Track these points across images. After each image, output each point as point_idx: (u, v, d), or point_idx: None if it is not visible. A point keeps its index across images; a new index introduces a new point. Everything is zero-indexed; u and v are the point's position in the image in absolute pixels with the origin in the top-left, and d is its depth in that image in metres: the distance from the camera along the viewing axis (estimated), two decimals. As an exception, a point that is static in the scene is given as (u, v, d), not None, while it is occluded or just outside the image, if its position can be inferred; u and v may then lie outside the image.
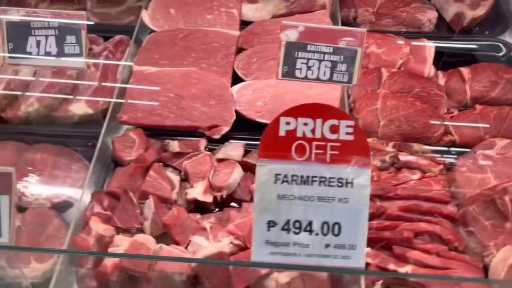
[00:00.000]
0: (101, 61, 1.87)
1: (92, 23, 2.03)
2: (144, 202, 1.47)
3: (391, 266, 1.39)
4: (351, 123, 1.06)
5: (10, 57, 1.46)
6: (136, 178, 1.54)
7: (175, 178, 1.60)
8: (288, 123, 1.06)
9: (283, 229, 1.06)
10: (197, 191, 1.52)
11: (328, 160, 1.05)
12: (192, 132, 1.73)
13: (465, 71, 1.92)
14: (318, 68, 1.47)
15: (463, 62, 2.05)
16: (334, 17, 2.12)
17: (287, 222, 1.06)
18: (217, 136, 1.71)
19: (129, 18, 2.15)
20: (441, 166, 1.63)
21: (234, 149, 1.66)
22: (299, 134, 1.05)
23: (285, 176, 1.05)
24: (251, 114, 1.76)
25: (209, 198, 1.53)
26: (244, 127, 1.78)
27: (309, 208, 1.06)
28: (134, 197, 1.48)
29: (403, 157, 1.63)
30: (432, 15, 2.15)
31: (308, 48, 1.45)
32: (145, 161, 1.57)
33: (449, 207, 1.53)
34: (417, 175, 1.60)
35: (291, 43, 1.45)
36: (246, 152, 1.67)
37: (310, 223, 1.06)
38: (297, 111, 1.06)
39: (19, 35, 1.44)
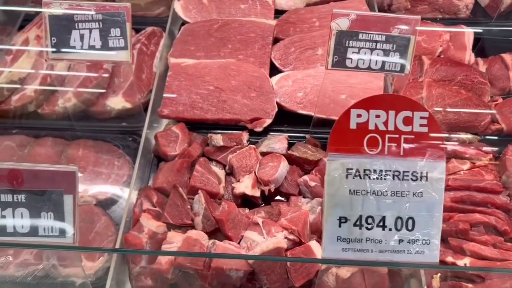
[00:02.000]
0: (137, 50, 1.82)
1: (128, 4, 1.98)
2: (193, 197, 1.45)
3: (449, 259, 1.36)
4: (426, 114, 1.02)
5: (53, 52, 1.41)
6: (182, 173, 1.51)
7: (220, 172, 1.57)
8: (359, 116, 1.02)
9: (355, 225, 1.03)
10: (245, 186, 1.49)
11: (402, 154, 1.02)
12: (234, 125, 1.70)
13: (507, 57, 1.88)
14: (370, 58, 1.43)
15: (501, 48, 2.01)
16: (370, 4, 2.07)
17: (360, 217, 1.03)
18: (259, 129, 1.67)
19: (159, 9, 2.10)
20: (490, 155, 1.60)
21: (277, 142, 1.63)
22: (371, 126, 1.02)
23: (357, 170, 1.02)
24: (292, 106, 1.73)
25: (257, 192, 1.50)
26: (285, 119, 1.74)
27: (382, 203, 1.03)
28: (184, 192, 1.45)
29: (451, 146, 1.60)
30: (469, 0, 2.10)
31: (360, 36, 1.41)
32: (190, 155, 1.54)
33: (501, 197, 1.51)
34: (467, 165, 1.57)
35: (342, 32, 1.41)
36: (289, 145, 1.64)
37: (383, 219, 1.03)
38: (368, 103, 1.03)
39: (62, 29, 1.40)
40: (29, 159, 1.57)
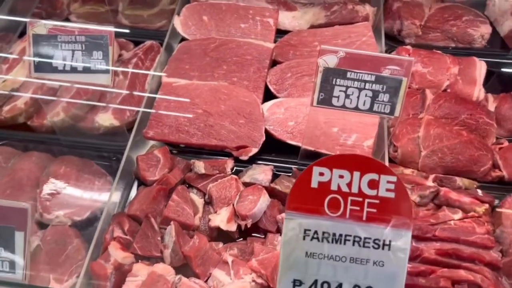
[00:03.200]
0: (129, 69, 1.80)
1: (122, 30, 1.97)
2: (166, 227, 1.42)
3: (425, 319, 1.28)
4: (393, 178, 0.95)
5: (36, 71, 1.40)
6: (159, 201, 1.48)
7: (199, 201, 1.53)
8: (321, 174, 0.96)
9: (310, 289, 0.97)
10: (221, 219, 1.45)
11: (364, 218, 0.95)
12: (220, 151, 1.66)
13: (519, 97, 1.76)
14: (358, 97, 1.36)
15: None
16: (377, 29, 1.98)
17: (315, 282, 0.97)
18: (244, 158, 1.62)
19: (161, 22, 2.07)
20: (486, 206, 1.49)
21: (261, 173, 1.57)
22: (333, 187, 0.96)
23: (316, 232, 0.96)
24: (282, 135, 1.67)
25: (232, 227, 1.45)
26: (274, 147, 1.69)
27: (340, 269, 0.96)
28: (156, 222, 1.42)
29: (444, 193, 1.51)
30: (486, 30, 1.97)
31: (348, 75, 1.33)
32: (169, 183, 1.51)
33: (492, 253, 1.41)
34: (459, 214, 1.47)
35: (329, 69, 1.33)
36: (275, 176, 1.59)
37: (339, 285, 0.97)
38: (332, 162, 0.96)
39: (45, 49, 1.39)
40: (11, 173, 1.57)
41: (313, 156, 1.64)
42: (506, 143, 1.67)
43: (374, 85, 1.33)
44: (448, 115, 1.70)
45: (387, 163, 1.56)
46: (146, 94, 1.75)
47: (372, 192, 0.95)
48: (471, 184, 1.57)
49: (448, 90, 1.80)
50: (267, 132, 1.67)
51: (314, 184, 0.96)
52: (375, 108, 1.36)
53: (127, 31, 2.04)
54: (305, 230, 0.96)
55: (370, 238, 0.95)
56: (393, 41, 2.03)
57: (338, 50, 1.31)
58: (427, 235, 1.42)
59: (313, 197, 0.96)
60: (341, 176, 0.95)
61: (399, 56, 1.32)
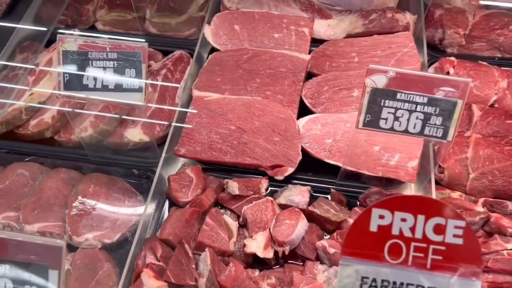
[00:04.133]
0: (159, 82, 1.73)
1: (150, 38, 1.90)
2: (200, 253, 1.35)
3: None
4: (462, 223, 0.86)
5: (65, 89, 1.34)
6: (192, 224, 1.41)
7: (233, 224, 1.46)
8: (382, 217, 0.88)
9: None
10: (257, 246, 1.37)
11: (428, 266, 0.87)
12: (254, 169, 1.58)
13: None
14: (408, 120, 1.26)
15: None
16: (418, 38, 1.87)
17: (372, 333, 0.89)
18: (280, 178, 1.54)
19: (190, 30, 1.99)
20: (542, 234, 1.39)
21: (298, 195, 1.49)
22: (394, 231, 0.87)
23: (374, 280, 0.88)
24: (319, 153, 1.58)
25: (269, 254, 1.38)
26: (310, 166, 1.61)
27: (401, 320, 0.88)
28: (190, 248, 1.35)
29: (496, 219, 1.41)
30: (535, 40, 1.85)
31: (398, 96, 1.24)
32: (202, 205, 1.44)
33: (550, 287, 1.31)
34: (512, 243, 1.38)
35: (377, 89, 1.24)
36: (312, 198, 1.51)
37: (400, 338, 0.89)
38: (393, 203, 0.87)
39: (75, 66, 1.32)
40: (39, 191, 1.52)
41: (353, 177, 1.55)
42: (560, 164, 1.56)
43: (426, 107, 1.24)
44: (497, 133, 1.59)
45: (433, 186, 1.47)
46: (177, 108, 1.68)
47: (438, 238, 0.86)
48: (524, 209, 1.47)
49: (496, 105, 1.69)
50: (303, 150, 1.59)
51: (373, 227, 0.88)
52: (426, 131, 1.27)
53: (155, 40, 1.97)
54: (362, 278, 0.88)
55: (434, 288, 0.87)
56: (435, 50, 1.92)
57: (388, 69, 1.22)
58: (478, 266, 1.33)
59: (372, 242, 0.88)
60: (403, 220, 0.87)
61: (455, 77, 1.22)
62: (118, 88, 1.34)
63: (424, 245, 0.86)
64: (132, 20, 2.02)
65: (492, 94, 1.69)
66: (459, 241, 0.86)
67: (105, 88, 1.34)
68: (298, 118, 1.67)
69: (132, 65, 1.32)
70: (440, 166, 1.53)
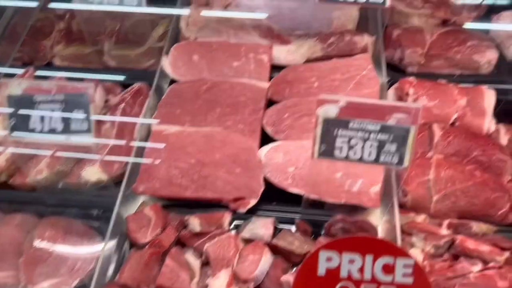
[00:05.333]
0: (116, 118, 1.70)
1: (106, 78, 1.86)
2: (160, 297, 1.30)
3: None
4: (411, 262, 0.83)
5: (12, 134, 1.29)
6: (152, 266, 1.36)
7: (195, 263, 1.42)
8: (329, 259, 0.85)
9: None
10: (220, 285, 1.33)
11: (380, 308, 0.84)
12: (216, 203, 1.54)
13: (533, 127, 1.64)
14: (362, 148, 1.25)
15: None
16: (377, 59, 1.87)
17: None
18: (243, 210, 1.51)
19: (150, 61, 1.97)
20: (507, 254, 1.37)
21: (262, 227, 1.46)
22: (343, 274, 0.84)
23: (325, 326, 0.85)
24: (282, 182, 1.55)
25: (233, 292, 1.34)
26: (274, 195, 1.57)
27: None
28: (149, 292, 1.30)
29: (461, 242, 1.39)
30: (492, 55, 1.86)
31: (351, 125, 1.23)
32: (162, 245, 1.40)
33: (518, 309, 1.29)
34: (478, 266, 1.36)
35: (329, 120, 1.23)
36: (276, 230, 1.47)
37: None
38: (341, 245, 0.85)
39: (21, 110, 1.28)
40: (-7, 240, 1.46)
41: (318, 205, 1.53)
42: (523, 180, 1.56)
43: (379, 134, 1.22)
44: (458, 152, 1.58)
45: (396, 210, 1.45)
46: (135, 144, 1.64)
47: (388, 278, 0.83)
48: (488, 229, 1.45)
49: (457, 124, 1.69)
50: (266, 179, 1.56)
51: (321, 271, 0.85)
52: (382, 158, 1.25)
53: (115, 72, 1.94)
54: (313, 324, 0.85)
55: (387, 331, 0.84)
56: (395, 70, 1.92)
57: (338, 99, 1.21)
58: (445, 291, 1.31)
59: (321, 286, 0.84)
60: (351, 261, 0.84)
61: (406, 104, 1.21)
62: (66, 130, 1.30)
63: (374, 286, 0.83)
64: (91, 54, 1.99)
65: (452, 112, 1.69)
66: (409, 280, 0.83)
67: (53, 130, 1.30)
68: (260, 146, 1.65)
69: (80, 106, 1.28)
70: (403, 190, 1.51)
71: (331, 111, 1.22)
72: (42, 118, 1.29)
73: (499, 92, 1.76)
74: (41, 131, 1.29)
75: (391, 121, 1.21)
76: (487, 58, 1.86)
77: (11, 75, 1.84)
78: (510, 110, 1.80)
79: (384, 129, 1.22)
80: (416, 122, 1.20)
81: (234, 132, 1.65)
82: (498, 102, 1.76)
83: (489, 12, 2.03)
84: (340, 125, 1.22)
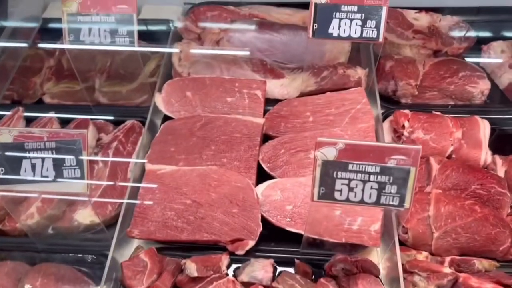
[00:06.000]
0: (109, 158, 1.66)
1: (97, 117, 1.84)
2: None
3: None
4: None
5: (2, 183, 1.25)
6: (148, 315, 1.31)
7: (194, 310, 1.37)
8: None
9: None
10: (219, 334, 1.29)
11: None
12: (213, 245, 1.51)
13: (530, 158, 1.64)
14: (363, 190, 1.23)
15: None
16: (371, 91, 1.87)
17: None
18: (241, 252, 1.47)
19: (142, 97, 1.95)
20: (511, 291, 1.36)
21: (261, 270, 1.42)
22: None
23: None
24: (280, 221, 1.53)
25: None
26: (273, 234, 1.54)
27: None
28: None
29: (464, 280, 1.36)
30: (485, 86, 1.87)
31: (350, 167, 1.21)
32: (158, 293, 1.35)
33: None
34: (483, 305, 1.33)
35: (328, 162, 1.21)
36: (275, 271, 1.43)
37: None
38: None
39: (11, 158, 1.25)
40: (-19, 291, 1.40)
41: (317, 244, 1.49)
42: (523, 214, 1.55)
43: (379, 176, 1.21)
44: (457, 186, 1.57)
45: (398, 249, 1.43)
46: (129, 184, 1.61)
47: None
48: (491, 265, 1.43)
49: (453, 156, 1.69)
50: (263, 219, 1.53)
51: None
52: (383, 200, 1.23)
53: (106, 109, 1.91)
54: None
55: None
56: (389, 102, 1.92)
57: (336, 141, 1.19)
58: (451, 333, 1.28)
59: None
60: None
61: (405, 145, 1.19)
62: (59, 178, 1.26)
63: None
64: (82, 91, 1.96)
65: (449, 145, 1.68)
66: None
67: (44, 180, 1.26)
68: (257, 183, 1.62)
69: (72, 153, 1.25)
70: (403, 227, 1.49)
71: (329, 153, 1.20)
72: (34, 166, 1.25)
73: (492, 122, 1.77)
74: (32, 180, 1.25)
75: (391, 162, 1.19)
76: (480, 89, 1.87)
77: (0, 116, 1.81)
78: (504, 139, 1.81)
79: (384, 171, 1.20)
80: (416, 163, 1.19)
81: (230, 169, 1.62)
82: (492, 132, 1.76)
83: (479, 43, 2.06)
84: (340, 167, 1.20)
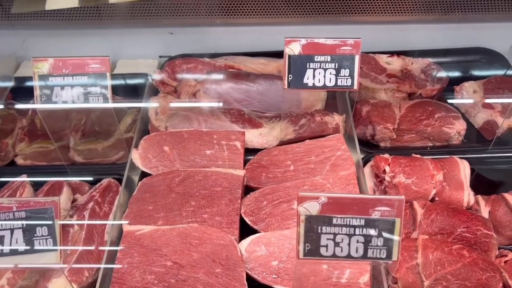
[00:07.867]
0: (85, 221, 1.59)
1: (72, 178, 1.78)
2: None
3: None
4: None
5: (-33, 258, 1.17)
6: None
7: None
8: None
9: None
10: None
11: None
12: (197, 308, 1.43)
13: (511, 198, 1.64)
14: (349, 244, 1.19)
15: (502, 178, 1.80)
16: (349, 137, 1.87)
17: None
18: (227, 315, 1.40)
19: (118, 153, 1.90)
20: None
21: (249, 332, 1.35)
22: None
23: None
24: (266, 278, 1.47)
25: None
26: (259, 293, 1.48)
27: None
28: None
29: (460, 330, 1.32)
30: (461, 126, 1.90)
31: (334, 221, 1.17)
32: None
33: None
34: None
35: (312, 217, 1.17)
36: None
37: None
38: None
39: (-23, 231, 1.17)
40: None
41: (305, 301, 1.43)
42: (510, 255, 1.52)
43: (365, 229, 1.17)
44: (443, 230, 1.55)
45: (389, 301, 1.38)
46: (106, 248, 1.54)
47: None
48: (485, 312, 1.39)
49: (436, 199, 1.67)
50: (248, 276, 1.47)
51: None
52: (370, 254, 1.19)
53: (81, 168, 1.86)
54: None
55: None
56: (368, 146, 1.92)
57: (319, 195, 1.16)
58: None
59: None
60: None
61: (388, 196, 1.18)
62: (30, 249, 1.19)
63: None
64: (56, 150, 1.91)
65: (431, 188, 1.67)
66: None
67: (14, 252, 1.19)
68: (240, 237, 1.57)
69: (44, 223, 1.18)
70: (393, 277, 1.45)
71: (312, 208, 1.17)
72: (2, 238, 1.18)
73: (471, 161, 1.78)
74: (1, 254, 1.18)
75: (375, 214, 1.17)
76: (457, 129, 1.89)
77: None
78: (484, 179, 1.82)
79: (368, 223, 1.17)
80: (400, 214, 1.16)
81: (212, 225, 1.57)
82: (472, 172, 1.76)
83: (451, 83, 2.10)
84: (324, 222, 1.17)
